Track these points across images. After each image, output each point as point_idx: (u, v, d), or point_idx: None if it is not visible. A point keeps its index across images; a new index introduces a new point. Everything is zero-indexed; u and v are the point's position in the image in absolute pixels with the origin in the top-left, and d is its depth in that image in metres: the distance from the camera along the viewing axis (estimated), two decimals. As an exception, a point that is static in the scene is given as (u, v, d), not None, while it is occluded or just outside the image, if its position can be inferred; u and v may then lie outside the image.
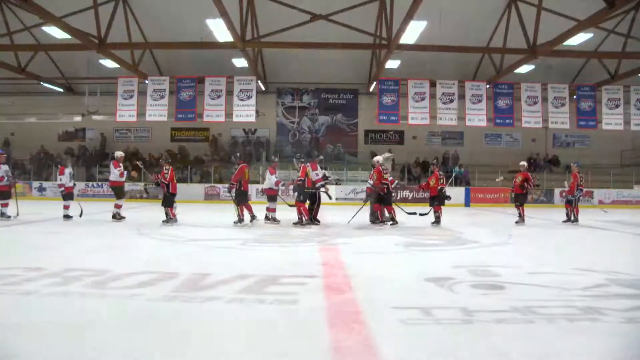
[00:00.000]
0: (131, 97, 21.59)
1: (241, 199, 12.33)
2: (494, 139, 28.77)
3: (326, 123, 28.64)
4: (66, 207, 12.89)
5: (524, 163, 14.13)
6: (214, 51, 21.88)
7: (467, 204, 22.40)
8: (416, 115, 21.42)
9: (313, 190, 12.29)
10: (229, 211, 13.19)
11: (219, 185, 23.30)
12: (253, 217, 12.51)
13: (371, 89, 25.50)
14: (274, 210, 12.81)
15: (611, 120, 22.15)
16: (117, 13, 19.34)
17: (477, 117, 21.63)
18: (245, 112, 21.44)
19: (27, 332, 3.73)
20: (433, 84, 21.57)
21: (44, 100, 27.64)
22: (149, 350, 3.37)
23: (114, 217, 12.81)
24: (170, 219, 12.28)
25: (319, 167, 12.63)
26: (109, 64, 21.71)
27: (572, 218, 13.98)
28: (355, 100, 28.48)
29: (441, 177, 12.96)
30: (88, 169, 25.90)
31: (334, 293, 4.95)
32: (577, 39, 18.09)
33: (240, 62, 21.73)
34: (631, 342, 3.72)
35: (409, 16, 15.51)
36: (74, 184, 13.10)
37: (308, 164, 12.50)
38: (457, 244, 9.40)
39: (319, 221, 12.56)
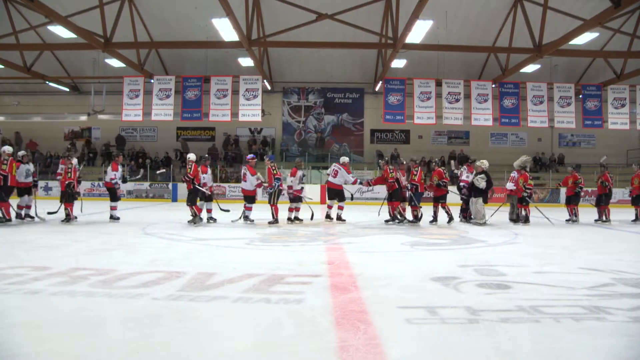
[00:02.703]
0: (137, 96, 21.62)
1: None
2: (500, 138, 28.74)
3: (332, 122, 28.65)
4: (248, 209, 12.65)
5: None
6: (220, 50, 21.97)
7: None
8: (422, 115, 21.38)
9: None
10: (237, 210, 13.21)
11: (225, 185, 23.35)
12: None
13: (377, 89, 25.55)
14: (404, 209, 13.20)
15: (617, 120, 22.05)
16: (123, 12, 19.41)
17: (483, 117, 21.58)
18: (251, 112, 21.43)
19: (33, 332, 3.74)
20: (439, 84, 21.52)
21: (49, 100, 27.82)
22: (155, 350, 3.39)
23: (289, 220, 12.88)
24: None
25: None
26: (114, 63, 21.82)
27: (604, 218, 14.24)
28: (361, 100, 28.49)
29: (391, 170, 13.01)
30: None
31: (340, 292, 4.95)
32: (583, 39, 18.02)
33: (246, 62, 21.77)
34: (637, 341, 3.71)
35: (414, 15, 15.50)
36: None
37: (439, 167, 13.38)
38: (462, 243, 9.39)
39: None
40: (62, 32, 18.11)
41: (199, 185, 12.27)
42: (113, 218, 12.74)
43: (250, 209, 12.55)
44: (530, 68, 21.75)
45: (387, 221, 12.97)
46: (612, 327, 3.94)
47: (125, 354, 3.29)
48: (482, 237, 10.29)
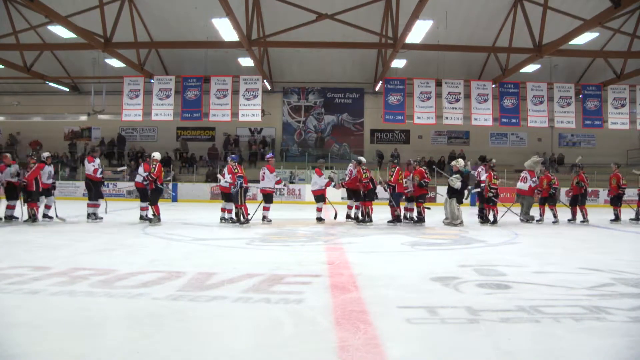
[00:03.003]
0: (137, 96, 21.60)
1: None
2: (500, 138, 28.75)
3: (332, 122, 28.66)
4: (266, 209, 12.94)
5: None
6: (220, 50, 21.96)
7: (472, 203, 22.34)
8: (422, 115, 21.38)
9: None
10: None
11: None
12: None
13: (377, 89, 25.56)
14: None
15: (617, 120, 22.03)
16: (123, 12, 19.41)
17: (483, 117, 21.57)
18: (251, 112, 21.41)
19: (33, 332, 3.74)
20: (439, 84, 21.51)
21: (49, 100, 27.80)
22: (155, 350, 3.38)
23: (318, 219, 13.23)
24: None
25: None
26: (114, 63, 21.80)
27: (582, 218, 14.02)
28: (361, 100, 28.50)
29: (364, 171, 12.99)
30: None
31: (340, 292, 4.95)
32: (583, 38, 18.01)
33: (246, 62, 21.76)
34: (637, 341, 3.70)
35: (414, 15, 15.50)
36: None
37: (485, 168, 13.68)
38: (462, 243, 9.39)
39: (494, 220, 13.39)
40: (62, 32, 18.08)
41: (162, 185, 12.38)
42: (143, 218, 12.59)
43: (268, 209, 12.65)
44: (530, 68, 21.74)
45: (359, 221, 12.94)
46: (612, 327, 3.94)
47: (125, 354, 3.29)
48: (482, 237, 10.29)
